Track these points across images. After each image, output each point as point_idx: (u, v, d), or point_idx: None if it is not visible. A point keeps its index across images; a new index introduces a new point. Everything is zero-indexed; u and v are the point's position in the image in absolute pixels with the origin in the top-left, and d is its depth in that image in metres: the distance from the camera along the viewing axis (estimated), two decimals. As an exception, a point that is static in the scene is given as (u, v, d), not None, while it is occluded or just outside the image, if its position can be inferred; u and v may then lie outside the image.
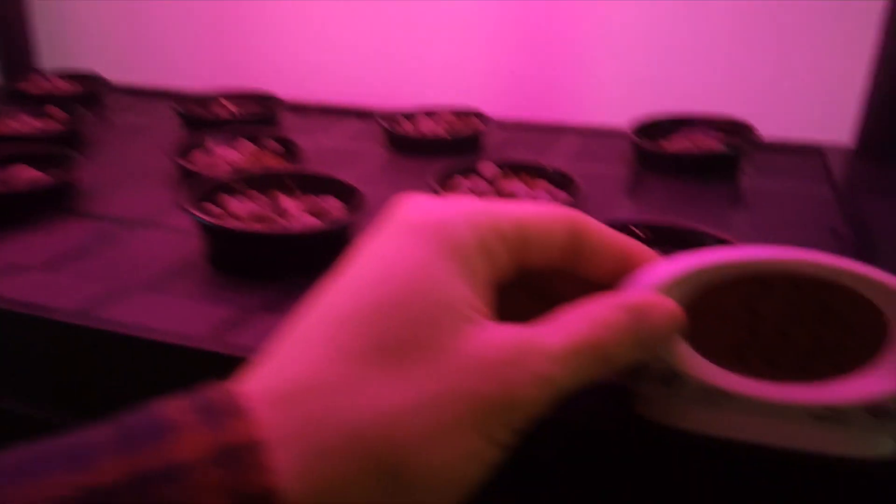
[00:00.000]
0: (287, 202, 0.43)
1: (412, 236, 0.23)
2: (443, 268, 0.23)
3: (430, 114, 0.66)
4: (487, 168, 0.52)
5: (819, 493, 0.26)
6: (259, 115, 0.66)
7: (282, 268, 0.39)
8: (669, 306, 0.25)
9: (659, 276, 0.26)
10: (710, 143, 0.57)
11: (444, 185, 0.50)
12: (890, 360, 0.24)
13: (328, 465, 0.19)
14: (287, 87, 0.73)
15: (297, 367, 0.21)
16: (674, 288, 0.26)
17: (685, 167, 0.55)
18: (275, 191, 0.45)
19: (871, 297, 0.24)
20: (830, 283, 0.25)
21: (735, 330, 0.26)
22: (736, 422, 0.26)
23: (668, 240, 0.39)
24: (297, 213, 0.42)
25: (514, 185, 0.50)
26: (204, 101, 0.70)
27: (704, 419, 0.26)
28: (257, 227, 0.40)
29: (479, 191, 0.50)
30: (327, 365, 0.21)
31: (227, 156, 0.54)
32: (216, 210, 0.42)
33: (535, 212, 0.26)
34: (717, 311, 0.26)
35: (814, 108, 0.68)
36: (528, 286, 0.30)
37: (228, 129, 0.59)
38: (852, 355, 0.25)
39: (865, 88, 0.56)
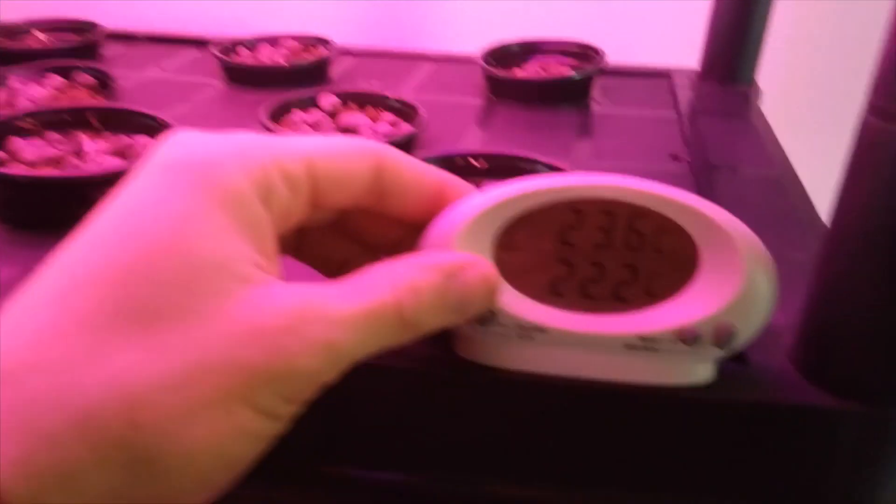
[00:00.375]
0: (88, 143, 0.38)
1: (172, 181, 0.20)
2: (209, 218, 0.19)
3: (273, 42, 0.61)
4: (327, 99, 0.48)
5: (638, 423, 0.26)
6: (76, 45, 0.59)
7: (79, 218, 0.35)
8: (484, 269, 0.23)
9: (470, 210, 0.24)
10: (562, 69, 0.56)
11: (278, 118, 0.46)
12: (700, 286, 0.24)
13: (56, 454, 0.16)
14: (114, 15, 0.65)
15: (22, 340, 0.18)
16: (483, 221, 0.24)
17: (535, 94, 0.53)
18: (77, 131, 0.40)
19: (682, 222, 0.24)
20: (641, 209, 0.24)
21: (550, 262, 0.25)
22: (553, 356, 0.25)
23: (505, 170, 0.37)
24: (98, 155, 0.37)
25: (355, 117, 0.46)
26: (13, 31, 0.61)
27: (521, 355, 0.25)
28: (45, 171, 0.35)
29: (317, 124, 0.46)
30: (58, 336, 0.17)
31: (30, 92, 0.47)
32: (1, 155, 0.37)
33: (329, 146, 0.23)
34: (532, 244, 0.25)
35: (664, 33, 0.68)
36: (346, 229, 0.27)
37: (40, 62, 0.52)
38: (665, 283, 0.24)
39: (710, 11, 0.56)
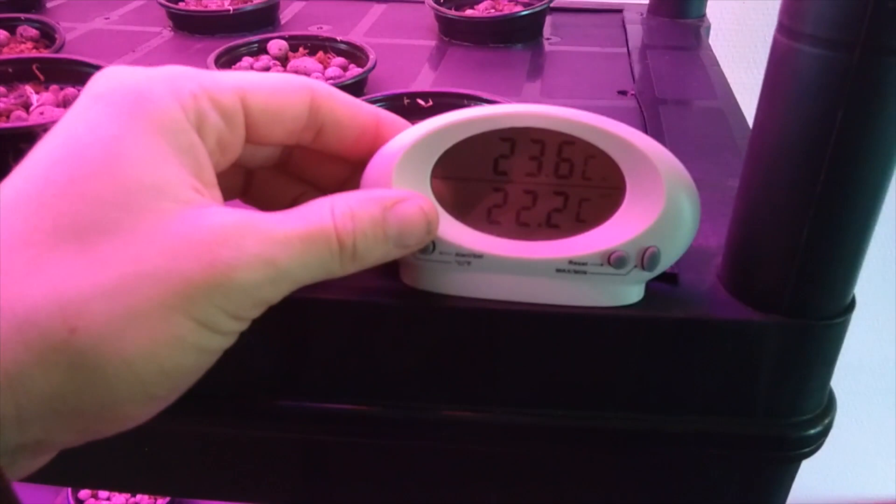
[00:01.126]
0: (33, 95, 0.38)
1: (105, 110, 0.20)
2: (146, 143, 0.20)
3: (221, -12, 0.59)
4: (275, 45, 0.48)
5: (573, 344, 0.27)
6: (18, -3, 0.57)
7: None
8: (421, 202, 0.24)
9: (404, 143, 0.25)
10: (514, 7, 0.56)
11: (227, 66, 0.46)
12: (625, 211, 0.25)
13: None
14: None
15: None
16: (417, 153, 0.25)
17: (486, 33, 0.53)
18: (22, 83, 0.39)
19: (608, 150, 0.24)
20: (569, 137, 0.25)
21: (485, 191, 0.26)
22: (489, 281, 0.26)
23: (450, 108, 0.38)
24: (44, 107, 0.37)
25: (305, 61, 0.46)
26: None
27: (460, 281, 0.26)
28: (-10, 124, 0.35)
29: (266, 70, 0.46)
30: None
31: (-29, 46, 0.47)
32: (-58, 109, 0.36)
33: (261, 80, 0.23)
34: (468, 174, 0.26)
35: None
36: (292, 170, 0.28)
37: (-22, 15, 0.51)
38: (594, 209, 0.25)
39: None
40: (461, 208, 0.26)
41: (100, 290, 0.18)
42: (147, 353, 0.19)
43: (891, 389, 1.02)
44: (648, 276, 0.25)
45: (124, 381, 0.19)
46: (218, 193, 0.22)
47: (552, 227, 0.26)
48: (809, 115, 0.22)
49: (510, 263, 0.26)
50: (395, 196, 0.23)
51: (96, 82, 0.21)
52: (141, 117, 0.20)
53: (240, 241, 0.20)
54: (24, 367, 0.18)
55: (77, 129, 0.20)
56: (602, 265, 0.25)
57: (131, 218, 0.19)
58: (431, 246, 0.25)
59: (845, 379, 0.84)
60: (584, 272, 0.25)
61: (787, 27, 0.22)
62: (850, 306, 0.26)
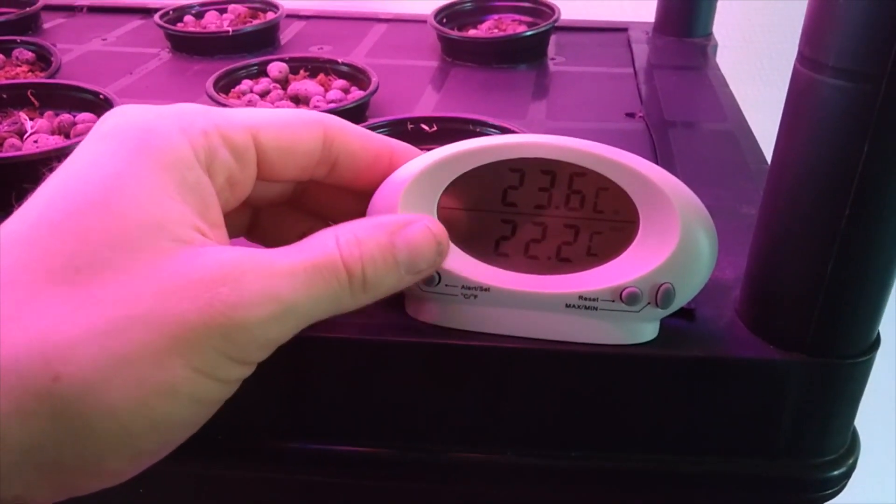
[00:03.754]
0: (27, 121, 0.37)
1: (111, 147, 0.20)
2: (148, 180, 0.19)
3: (220, 8, 0.59)
4: (275, 67, 0.47)
5: (589, 382, 0.26)
6: (15, 19, 0.57)
7: (18, 198, 0.34)
8: (429, 223, 0.22)
9: (411, 172, 0.24)
10: (517, 27, 0.55)
11: (226, 89, 0.45)
12: (639, 246, 0.24)
13: None
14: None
15: None
16: (424, 181, 0.24)
17: (489, 54, 0.52)
18: (16, 109, 0.39)
19: (621, 182, 0.24)
20: (581, 169, 0.24)
21: (494, 223, 0.25)
22: (497, 315, 0.25)
23: (455, 133, 0.37)
24: (38, 135, 0.36)
25: (306, 84, 0.45)
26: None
27: (467, 315, 0.25)
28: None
29: (266, 93, 0.45)
30: None
31: (-34, 70, 0.46)
32: (-66, 138, 0.35)
33: (273, 117, 0.23)
34: (476, 205, 0.25)
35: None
36: (302, 204, 0.27)
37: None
38: (606, 243, 0.24)
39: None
40: (468, 240, 0.25)
41: (87, 335, 0.17)
42: (135, 402, 0.17)
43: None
44: (663, 313, 0.24)
45: (110, 434, 0.18)
46: (223, 233, 0.21)
47: (562, 260, 0.25)
48: (833, 148, 0.21)
49: (518, 297, 0.24)
50: (401, 220, 0.22)
51: (105, 121, 0.21)
52: (146, 153, 0.19)
53: (239, 278, 0.19)
54: (3, 416, 0.17)
55: (78, 165, 0.20)
56: (613, 301, 0.24)
57: (126, 257, 0.18)
58: (437, 278, 0.24)
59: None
60: (595, 308, 0.24)
61: (809, 58, 0.21)
62: (876, 344, 0.25)
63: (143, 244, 0.18)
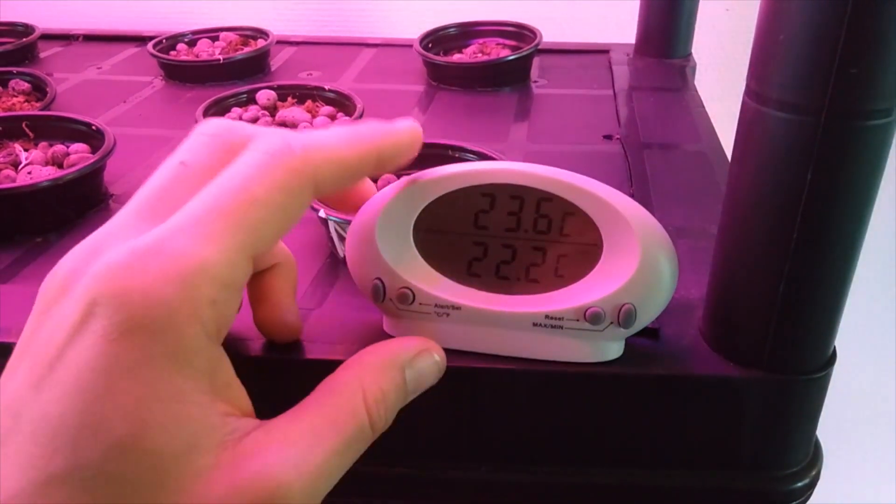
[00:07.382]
0: (22, 153, 0.38)
1: (122, 352, 0.18)
2: (167, 395, 0.18)
3: (213, 36, 0.60)
4: (264, 95, 0.48)
5: (558, 400, 0.27)
6: (11, 49, 0.58)
7: (12, 229, 0.35)
8: (434, 351, 0.24)
9: (386, 196, 0.25)
10: (501, 51, 0.57)
11: (214, 116, 0.46)
12: (602, 268, 0.25)
13: None
14: (49, 15, 0.65)
15: None
16: (399, 205, 0.25)
17: (473, 77, 0.54)
18: (11, 140, 0.40)
19: (585, 208, 0.25)
20: (547, 194, 0.25)
21: (467, 245, 0.26)
22: (468, 333, 0.26)
23: (434, 159, 0.38)
24: (32, 167, 0.37)
25: (293, 111, 0.47)
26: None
27: (439, 332, 0.26)
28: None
29: (255, 120, 0.46)
30: None
31: (-36, 101, 0.47)
32: (-68, 169, 0.37)
33: (259, 209, 0.20)
34: (449, 227, 0.26)
35: (604, 8, 0.69)
36: None
37: (-27, 68, 0.52)
38: (572, 265, 0.26)
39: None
40: (442, 260, 0.26)
41: None
42: None
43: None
44: (626, 333, 0.25)
45: None
46: (237, 385, 0.21)
47: (531, 281, 0.26)
48: (780, 176, 0.23)
49: (487, 316, 0.26)
50: (411, 351, 0.23)
51: (106, 307, 0.18)
52: (161, 357, 0.18)
53: (283, 484, 0.19)
54: None
55: (97, 386, 0.18)
56: (578, 321, 0.25)
57: (163, 495, 0.18)
58: (412, 296, 0.26)
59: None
60: (561, 327, 0.25)
61: (755, 91, 0.22)
62: (831, 360, 0.26)
63: (175, 479, 0.18)
